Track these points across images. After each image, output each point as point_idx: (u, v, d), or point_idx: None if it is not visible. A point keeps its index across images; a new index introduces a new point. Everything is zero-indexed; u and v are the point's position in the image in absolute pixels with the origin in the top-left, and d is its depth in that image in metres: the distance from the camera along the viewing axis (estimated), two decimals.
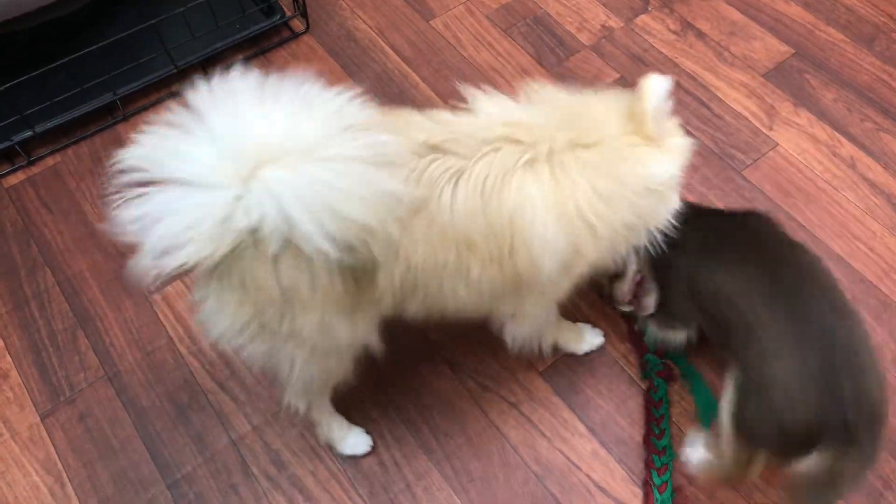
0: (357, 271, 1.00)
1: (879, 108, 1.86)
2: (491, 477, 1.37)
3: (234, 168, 0.89)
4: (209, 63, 1.92)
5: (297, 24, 1.99)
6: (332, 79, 1.83)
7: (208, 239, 0.90)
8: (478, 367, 1.48)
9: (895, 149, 1.80)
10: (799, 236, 1.66)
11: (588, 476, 1.36)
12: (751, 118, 1.84)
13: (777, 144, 1.80)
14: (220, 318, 1.03)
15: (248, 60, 1.94)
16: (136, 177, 0.90)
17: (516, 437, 1.40)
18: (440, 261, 1.03)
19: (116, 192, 0.89)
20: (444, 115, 1.09)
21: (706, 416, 1.38)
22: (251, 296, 0.98)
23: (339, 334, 1.08)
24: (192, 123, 0.91)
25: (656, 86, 1.07)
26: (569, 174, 1.04)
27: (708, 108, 1.86)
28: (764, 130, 1.83)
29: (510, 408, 1.44)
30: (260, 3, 1.96)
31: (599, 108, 1.10)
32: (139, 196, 0.89)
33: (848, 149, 1.80)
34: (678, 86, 1.90)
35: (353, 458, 1.39)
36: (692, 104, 1.87)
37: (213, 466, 1.39)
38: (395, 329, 1.50)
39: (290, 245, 0.93)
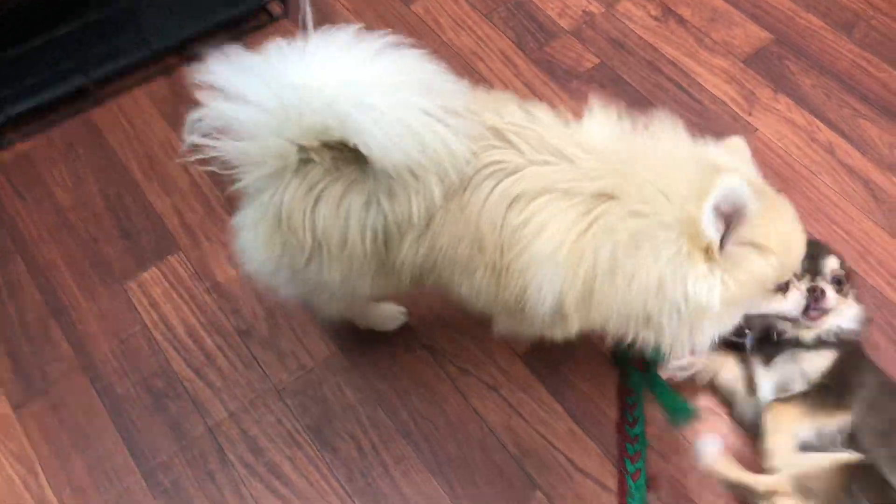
0: (388, 231, 1.02)
1: (858, 95, 1.87)
2: (469, 459, 1.36)
3: (314, 92, 0.94)
4: (185, 47, 1.89)
5: (276, 8, 1.97)
6: None
7: (263, 141, 0.97)
8: (457, 351, 1.47)
9: (873, 135, 1.81)
10: None
11: (565, 455, 1.36)
12: (730, 104, 1.85)
13: (756, 130, 1.81)
14: (254, 249, 1.10)
15: (224, 45, 1.91)
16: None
17: (495, 420, 1.40)
18: (458, 253, 1.04)
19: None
20: (540, 111, 1.05)
21: (676, 419, 1.36)
22: (282, 235, 1.04)
23: (360, 291, 1.15)
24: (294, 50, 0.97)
25: (727, 188, 0.88)
26: (603, 225, 0.95)
27: (688, 93, 1.86)
28: (743, 116, 1.83)
29: (489, 391, 1.43)
30: None
31: (687, 174, 0.94)
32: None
33: (826, 134, 1.81)
34: (659, 72, 1.90)
35: (332, 446, 1.38)
36: (672, 90, 1.87)
37: (190, 454, 1.37)
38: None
39: (331, 189, 0.99)
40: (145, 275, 1.57)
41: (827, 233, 1.64)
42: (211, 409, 1.41)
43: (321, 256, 1.05)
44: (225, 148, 0.98)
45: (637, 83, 1.88)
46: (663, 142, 1.00)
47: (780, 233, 0.99)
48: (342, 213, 1.00)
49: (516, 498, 1.33)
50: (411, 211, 0.99)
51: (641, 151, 0.99)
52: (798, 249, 1.06)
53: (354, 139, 0.94)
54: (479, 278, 1.04)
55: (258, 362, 1.46)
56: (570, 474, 1.35)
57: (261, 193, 1.03)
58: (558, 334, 1.14)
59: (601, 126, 1.04)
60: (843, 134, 1.81)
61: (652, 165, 0.97)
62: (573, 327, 1.07)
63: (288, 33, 1.94)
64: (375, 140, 0.92)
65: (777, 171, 1.74)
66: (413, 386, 1.44)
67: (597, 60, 1.92)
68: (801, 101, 1.86)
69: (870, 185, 1.73)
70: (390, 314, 1.47)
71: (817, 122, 1.83)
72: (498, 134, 1.01)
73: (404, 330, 1.49)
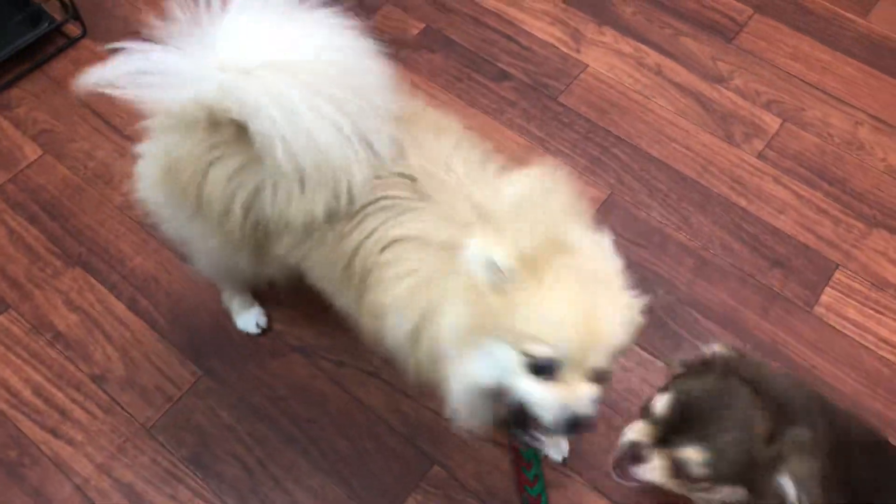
0: (269, 223, 1.01)
1: (675, 14, 1.94)
2: (362, 450, 1.32)
3: (236, 61, 0.91)
4: None
5: (73, 29, 1.82)
6: None
7: (176, 90, 0.94)
8: (328, 345, 1.42)
9: (695, 50, 1.88)
10: (619, 149, 1.71)
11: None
12: (558, 45, 1.87)
13: (587, 66, 1.83)
14: (145, 181, 1.10)
15: (23, 77, 1.75)
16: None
17: (380, 405, 1.37)
18: (330, 273, 1.05)
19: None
20: (470, 154, 1.00)
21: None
22: (169, 185, 1.03)
23: (234, 265, 1.15)
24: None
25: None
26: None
27: (516, 41, 1.87)
28: (572, 55, 1.85)
29: (369, 378, 1.39)
30: (22, 12, 1.76)
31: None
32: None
33: (653, 57, 1.86)
34: (485, 26, 1.89)
35: (216, 471, 1.30)
36: (500, 41, 1.87)
37: None
38: (234, 332, 1.43)
39: (228, 160, 0.97)
40: None
41: (667, 152, 1.70)
42: (76, 465, 1.30)
43: (203, 218, 1.04)
44: (140, 91, 0.95)
45: (466, 41, 1.86)
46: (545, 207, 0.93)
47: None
48: (231, 187, 0.98)
49: (414, 477, 1.30)
50: (289, 215, 0.97)
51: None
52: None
53: (254, 127, 0.91)
54: (346, 300, 1.07)
55: (119, 405, 1.36)
56: (464, 441, 1.33)
57: (166, 134, 1.01)
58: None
59: (516, 185, 0.97)
60: (668, 54, 1.87)
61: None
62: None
63: (93, 55, 1.83)
64: (276, 137, 0.89)
65: (612, 102, 1.78)
66: (289, 391, 1.38)
67: (422, 25, 1.89)
68: (625, 29, 1.90)
69: (700, 98, 1.80)
70: (250, 317, 1.42)
71: (643, 47, 1.88)
72: (412, 181, 0.97)
73: (269, 335, 1.43)
